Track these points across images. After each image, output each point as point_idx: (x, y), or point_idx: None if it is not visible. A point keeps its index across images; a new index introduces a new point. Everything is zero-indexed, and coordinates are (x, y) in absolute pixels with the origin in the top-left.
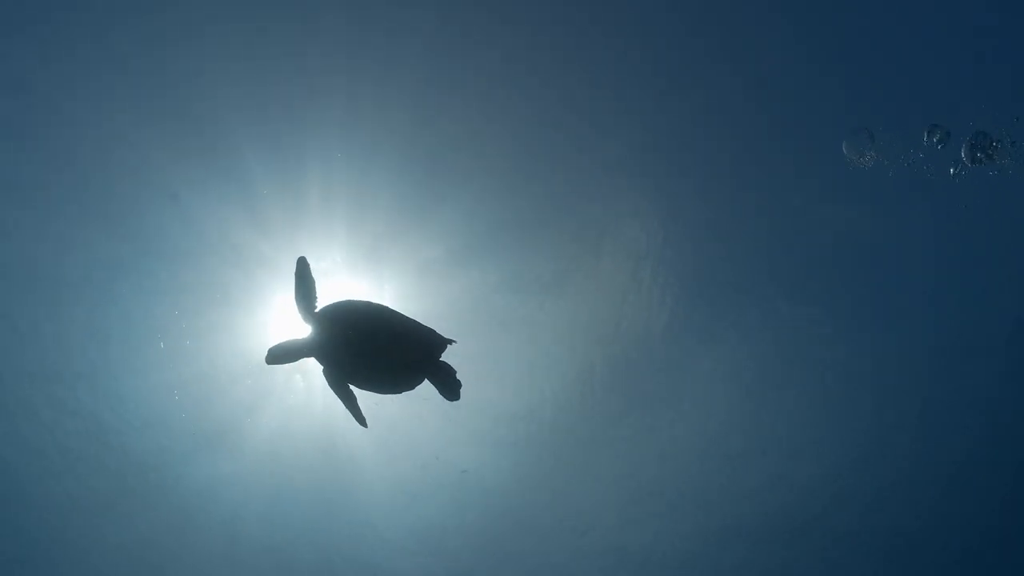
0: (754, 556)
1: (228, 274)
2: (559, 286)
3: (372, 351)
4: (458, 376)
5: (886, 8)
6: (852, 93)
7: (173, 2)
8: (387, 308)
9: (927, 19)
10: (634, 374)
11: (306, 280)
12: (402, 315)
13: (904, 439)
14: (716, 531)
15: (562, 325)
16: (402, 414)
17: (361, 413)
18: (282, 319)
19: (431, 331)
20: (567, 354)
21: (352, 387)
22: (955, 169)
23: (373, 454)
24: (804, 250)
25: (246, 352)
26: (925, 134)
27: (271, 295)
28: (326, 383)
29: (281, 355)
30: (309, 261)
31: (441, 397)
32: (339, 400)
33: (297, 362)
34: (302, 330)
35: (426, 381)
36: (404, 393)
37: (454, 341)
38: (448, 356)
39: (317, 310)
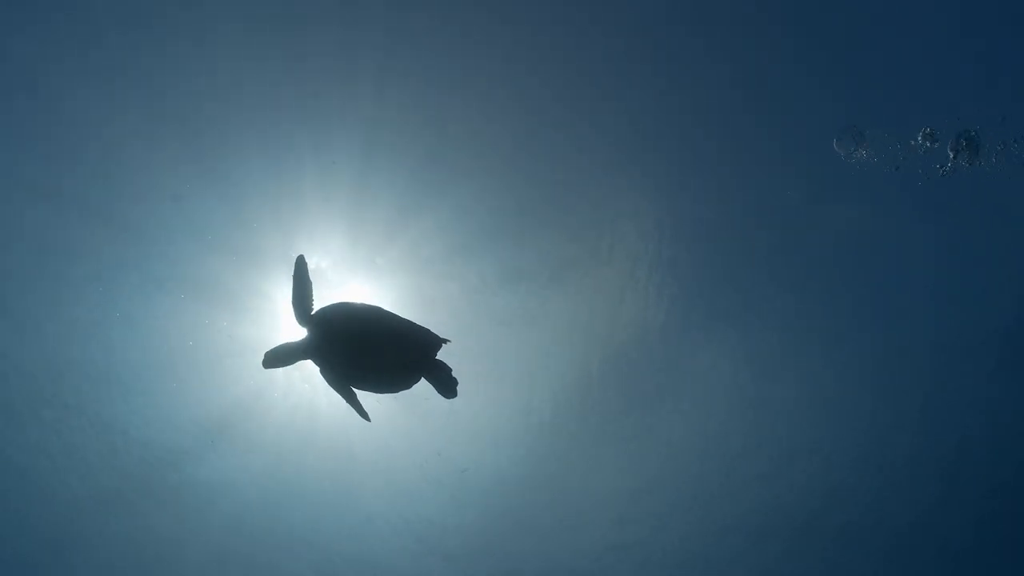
0: (753, 553)
1: (229, 271)
2: (557, 284)
3: (368, 352)
4: (454, 374)
5: (883, 7)
6: (851, 92)
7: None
8: (382, 309)
9: (924, 18)
10: (633, 372)
11: (303, 282)
12: (397, 316)
13: (903, 437)
14: (715, 529)
15: (559, 324)
16: (401, 413)
17: (363, 408)
18: (281, 315)
19: (426, 331)
20: (566, 352)
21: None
22: (942, 167)
23: (372, 454)
24: (803, 248)
25: (245, 350)
26: (920, 136)
27: (270, 291)
28: (325, 382)
29: (278, 358)
30: (307, 261)
31: (439, 396)
32: (340, 397)
33: (295, 364)
34: (298, 333)
35: (423, 380)
36: (401, 392)
37: (448, 340)
38: (447, 354)
39: (313, 312)
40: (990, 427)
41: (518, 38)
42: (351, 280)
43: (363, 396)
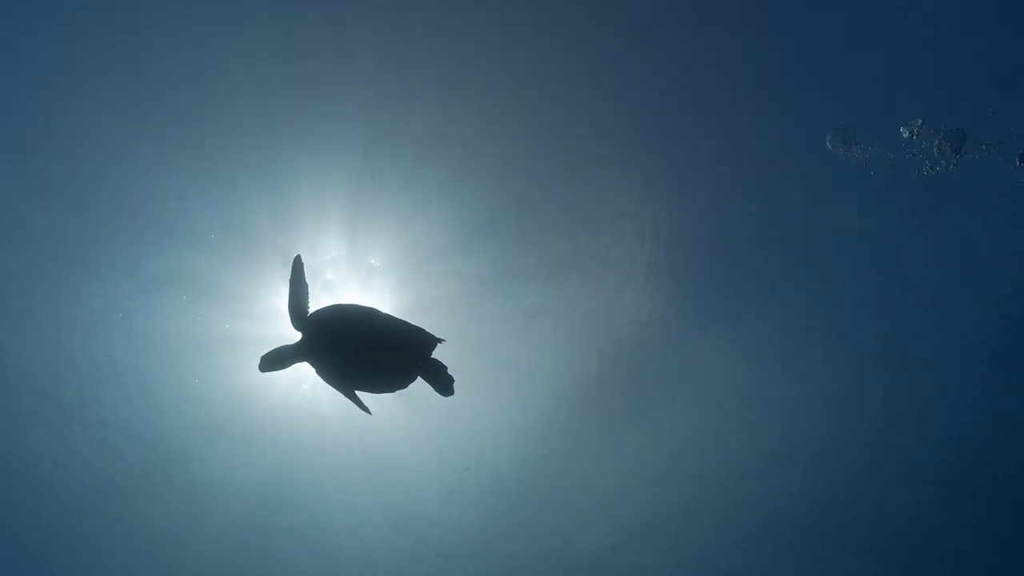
0: (753, 553)
1: (229, 270)
2: (555, 283)
3: (363, 354)
4: (450, 372)
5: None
6: (851, 92)
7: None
8: (376, 311)
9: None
10: (632, 371)
11: (299, 285)
12: (391, 316)
13: (903, 436)
14: (714, 528)
15: (558, 324)
16: (401, 412)
17: (363, 402)
18: (278, 311)
19: (421, 330)
20: (565, 352)
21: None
22: (928, 165)
23: (372, 453)
24: (801, 247)
25: (246, 346)
26: (909, 132)
27: (269, 286)
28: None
29: (274, 361)
30: (304, 260)
31: (437, 395)
32: (339, 392)
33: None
34: (292, 335)
35: (421, 380)
36: (398, 392)
37: (443, 340)
38: (444, 353)
39: (308, 315)
40: (989, 427)
41: (519, 38)
42: (347, 279)
43: (362, 392)
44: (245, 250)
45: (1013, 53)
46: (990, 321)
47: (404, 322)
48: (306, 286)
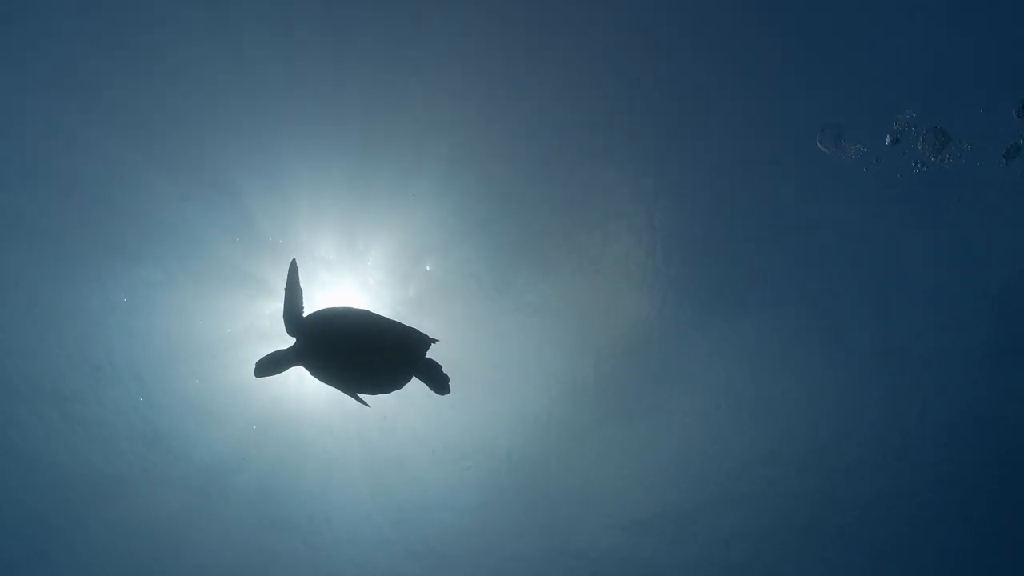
0: (752, 554)
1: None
2: (553, 282)
3: (357, 357)
4: (445, 371)
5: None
6: (852, 91)
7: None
8: (369, 312)
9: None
10: (630, 371)
11: (294, 290)
12: (384, 318)
13: (902, 436)
14: (715, 528)
15: (556, 324)
16: (401, 412)
17: (360, 396)
18: (275, 308)
19: (414, 331)
20: (565, 352)
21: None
22: (919, 165)
23: (372, 452)
24: (799, 246)
25: (246, 341)
26: (895, 131)
27: (268, 287)
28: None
29: (269, 366)
30: (300, 263)
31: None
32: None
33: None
34: (287, 340)
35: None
36: (394, 392)
37: (437, 340)
38: (440, 353)
39: (301, 319)
40: (989, 425)
41: (518, 38)
42: (343, 279)
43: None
44: (244, 250)
45: (1001, 50)
46: (986, 320)
47: (398, 323)
48: (301, 291)
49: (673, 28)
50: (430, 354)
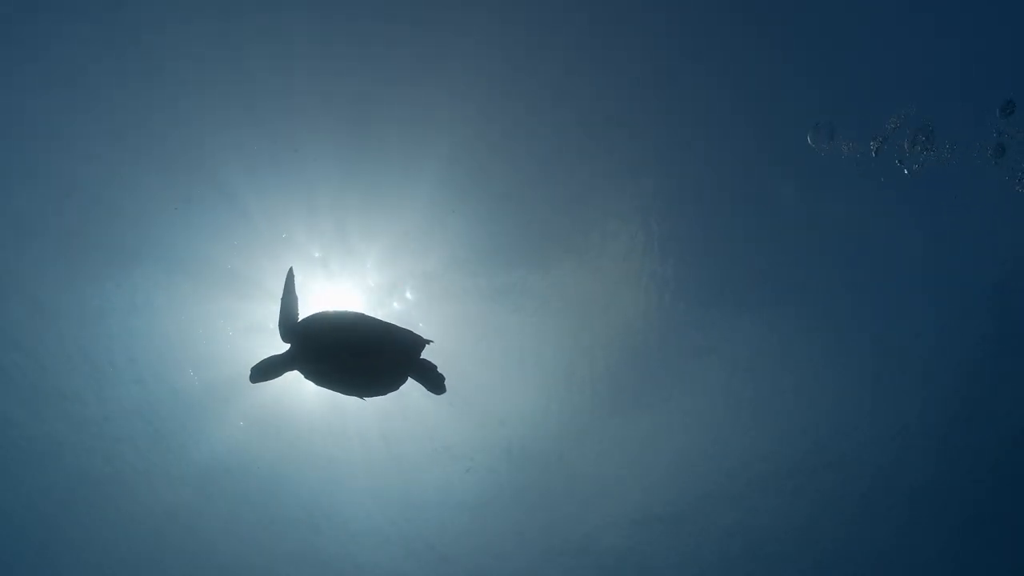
0: (752, 553)
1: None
2: (552, 282)
3: (352, 360)
4: (440, 371)
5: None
6: (851, 90)
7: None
8: (363, 316)
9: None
10: (629, 371)
11: (290, 297)
12: (378, 321)
13: (901, 434)
14: (714, 527)
15: (555, 323)
16: (400, 411)
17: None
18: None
19: (409, 332)
20: (565, 353)
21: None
22: (910, 163)
23: (371, 452)
24: (798, 246)
25: (246, 337)
26: (885, 130)
27: (266, 287)
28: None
29: (264, 372)
30: (296, 266)
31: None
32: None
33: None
34: (281, 345)
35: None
36: (390, 393)
37: (431, 341)
38: (436, 353)
39: (296, 324)
40: (989, 425)
41: (518, 39)
42: (341, 280)
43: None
44: (244, 250)
45: (992, 49)
46: (985, 320)
47: (392, 326)
48: (296, 299)
49: (673, 28)
50: (425, 354)
